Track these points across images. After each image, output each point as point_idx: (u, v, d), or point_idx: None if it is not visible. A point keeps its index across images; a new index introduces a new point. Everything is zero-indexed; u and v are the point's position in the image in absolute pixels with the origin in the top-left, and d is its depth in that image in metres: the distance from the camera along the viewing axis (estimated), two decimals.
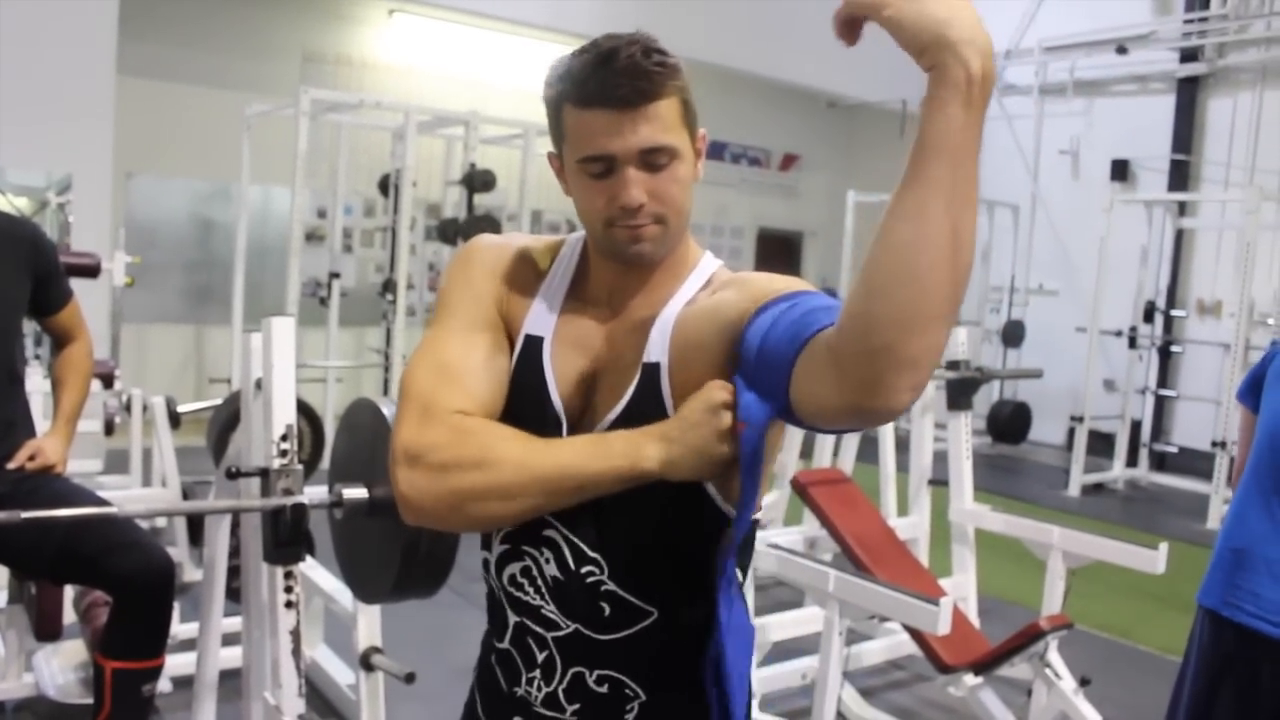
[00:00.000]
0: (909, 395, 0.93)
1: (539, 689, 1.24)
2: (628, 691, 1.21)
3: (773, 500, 4.60)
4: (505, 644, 1.27)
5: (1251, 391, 2.44)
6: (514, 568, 1.24)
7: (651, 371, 1.17)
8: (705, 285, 1.23)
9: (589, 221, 1.20)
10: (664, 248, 1.20)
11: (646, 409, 1.16)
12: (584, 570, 1.19)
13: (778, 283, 1.16)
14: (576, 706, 1.22)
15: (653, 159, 1.15)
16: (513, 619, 1.25)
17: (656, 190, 1.16)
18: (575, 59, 1.16)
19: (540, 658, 1.23)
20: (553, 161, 1.23)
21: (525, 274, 1.29)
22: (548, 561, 1.21)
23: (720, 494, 1.18)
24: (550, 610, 1.21)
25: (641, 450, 1.11)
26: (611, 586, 1.19)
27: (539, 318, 1.25)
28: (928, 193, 0.91)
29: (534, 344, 1.24)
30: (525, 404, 1.22)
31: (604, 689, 1.21)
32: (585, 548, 1.19)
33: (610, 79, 1.12)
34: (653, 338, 1.19)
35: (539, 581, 1.22)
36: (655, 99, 1.13)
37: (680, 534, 1.19)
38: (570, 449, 1.14)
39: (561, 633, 1.21)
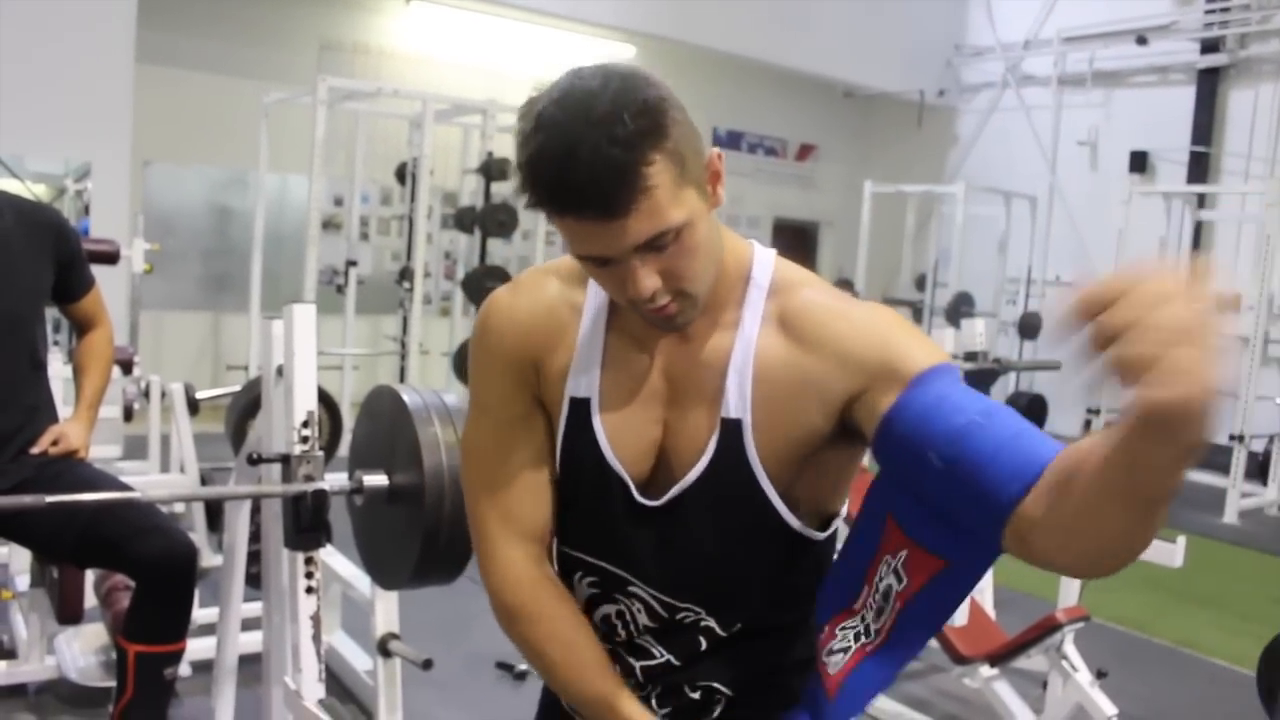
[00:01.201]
0: None
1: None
2: (717, 695, 1.20)
3: None
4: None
5: None
6: (606, 609, 1.21)
7: (733, 429, 1.10)
8: (770, 297, 1.13)
9: (612, 297, 1.12)
10: (698, 311, 1.09)
11: (731, 471, 1.10)
12: (679, 616, 1.17)
13: (890, 339, 1.06)
14: (668, 710, 1.20)
15: (656, 243, 1.01)
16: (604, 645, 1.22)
17: (669, 269, 1.03)
18: (532, 142, 0.98)
19: (633, 671, 1.21)
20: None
21: (556, 323, 1.17)
22: (639, 612, 1.18)
23: (800, 520, 1.14)
24: (644, 641, 1.19)
25: None
26: (710, 623, 1.17)
27: (581, 375, 1.16)
28: (1147, 523, 0.88)
29: (580, 407, 1.15)
30: (582, 473, 1.17)
31: (696, 695, 1.20)
32: (674, 601, 1.17)
33: (576, 190, 0.96)
34: (729, 389, 1.10)
35: (632, 626, 1.20)
36: (641, 196, 0.97)
37: (772, 565, 1.16)
38: (603, 702, 1.15)
39: (653, 662, 1.19)
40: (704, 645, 1.18)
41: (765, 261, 1.15)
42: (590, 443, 1.15)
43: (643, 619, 1.18)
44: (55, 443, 2.47)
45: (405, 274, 6.86)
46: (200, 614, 3.17)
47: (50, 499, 1.83)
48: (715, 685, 1.20)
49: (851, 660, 1.10)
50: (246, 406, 4.23)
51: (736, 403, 1.10)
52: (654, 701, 1.21)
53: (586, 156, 0.95)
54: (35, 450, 2.45)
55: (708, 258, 1.07)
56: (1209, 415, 0.72)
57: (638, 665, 1.20)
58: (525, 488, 1.18)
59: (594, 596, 1.21)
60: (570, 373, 1.16)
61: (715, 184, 1.07)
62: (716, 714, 1.20)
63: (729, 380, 1.10)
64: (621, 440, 1.14)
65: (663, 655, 1.18)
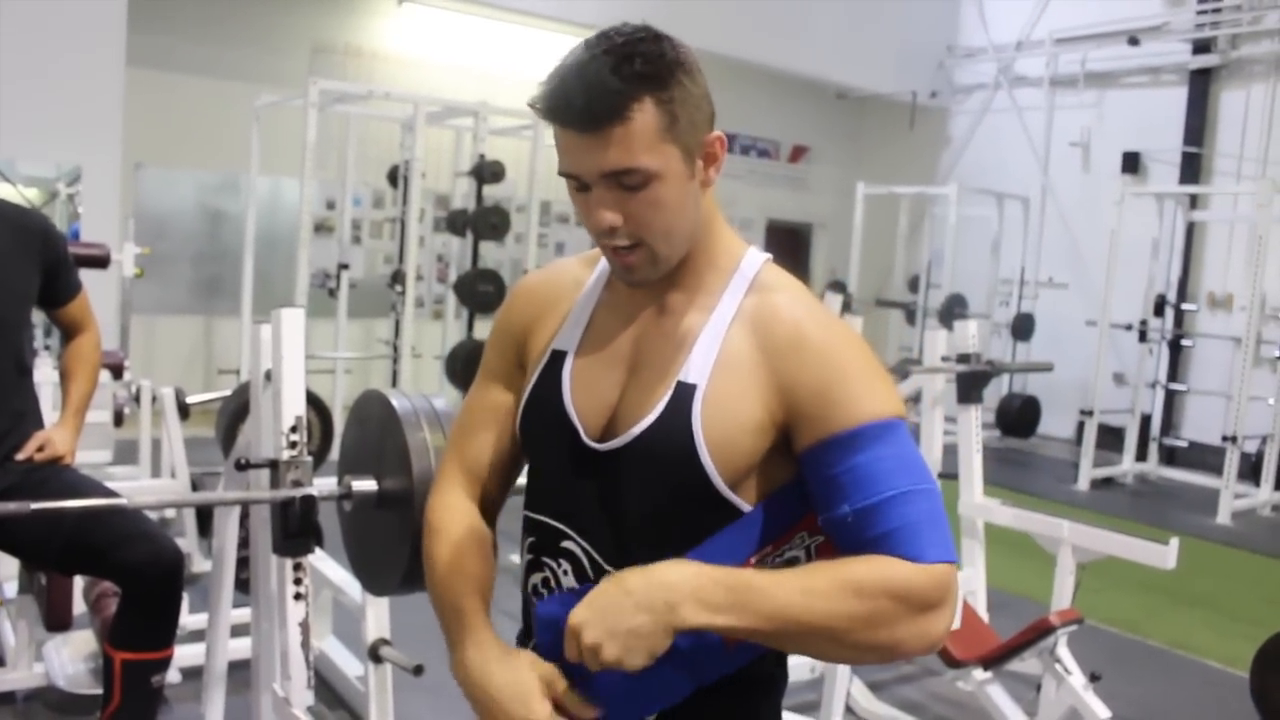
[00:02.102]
0: None
1: None
2: None
3: None
4: (534, 640, 1.25)
5: None
6: (535, 578, 1.24)
7: (686, 392, 1.13)
8: (749, 291, 1.17)
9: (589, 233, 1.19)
10: (657, 270, 1.16)
11: (673, 432, 1.12)
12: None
13: (831, 384, 1.10)
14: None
15: (624, 180, 1.09)
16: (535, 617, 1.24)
17: (632, 213, 1.11)
18: (561, 63, 1.11)
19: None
20: None
21: (564, 295, 1.28)
22: (565, 573, 1.20)
23: (744, 501, 1.15)
24: None
25: (465, 659, 1.18)
26: None
27: (566, 332, 1.25)
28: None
29: (557, 358, 1.24)
30: (542, 417, 1.23)
31: None
32: (601, 560, 1.17)
33: (571, 98, 1.07)
34: (694, 355, 1.15)
35: (556, 590, 1.21)
36: (617, 121, 1.06)
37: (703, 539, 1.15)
38: (459, 613, 1.22)
39: None
40: None
41: (755, 260, 1.21)
42: (554, 388, 1.22)
43: (569, 581, 1.19)
44: (41, 449, 2.46)
45: (397, 277, 6.84)
46: (190, 620, 3.16)
47: (35, 505, 1.81)
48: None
49: None
50: (237, 411, 4.21)
51: (698, 370, 1.14)
52: None
53: (589, 76, 1.06)
54: (20, 456, 2.43)
55: (677, 220, 1.13)
56: None
57: None
58: (485, 431, 1.31)
59: (530, 562, 1.25)
60: (560, 331, 1.26)
61: (710, 164, 1.16)
62: None
63: (695, 349, 1.15)
64: (581, 392, 1.21)
65: None
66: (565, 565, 1.20)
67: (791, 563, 1.15)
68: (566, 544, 1.20)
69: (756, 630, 1.03)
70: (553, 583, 1.21)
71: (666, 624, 1.02)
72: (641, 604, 1.02)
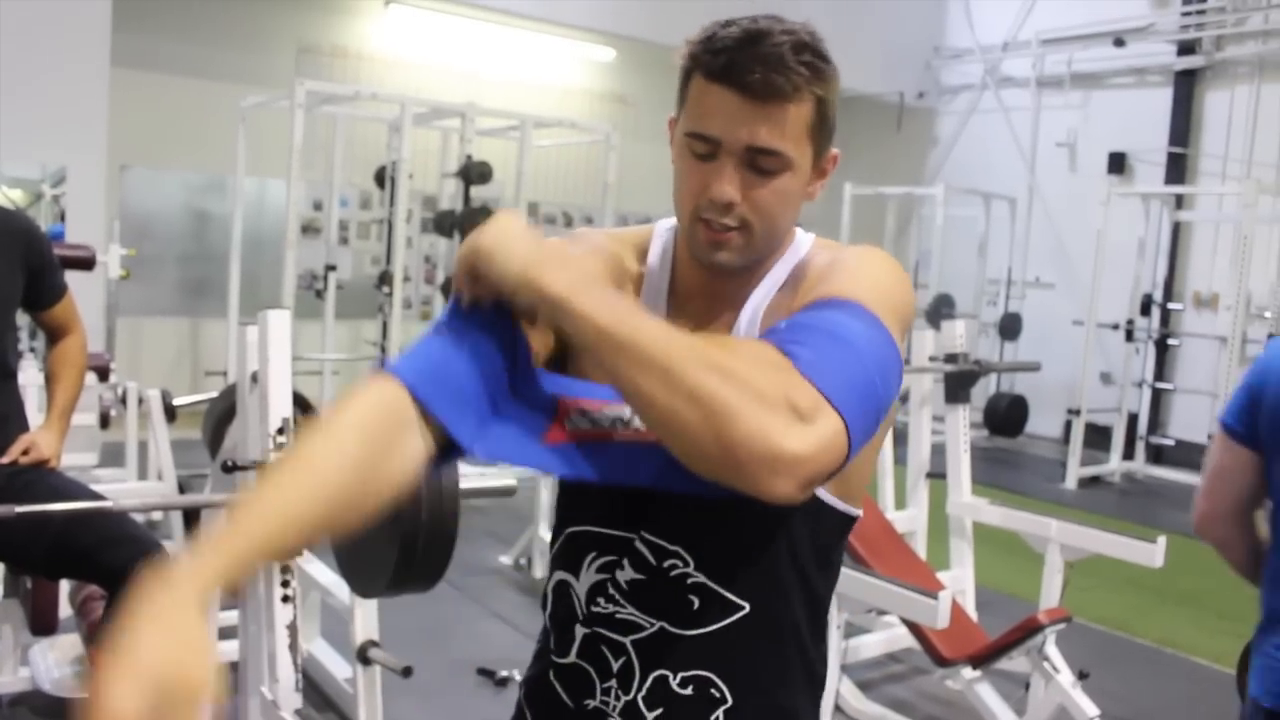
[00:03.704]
0: None
1: (617, 698, 1.14)
2: (714, 693, 1.13)
3: None
4: (571, 658, 1.18)
5: (1243, 419, 1.95)
6: (601, 577, 1.16)
7: None
8: (797, 264, 1.17)
9: (680, 204, 1.13)
10: (745, 258, 1.12)
11: None
12: (666, 564, 1.12)
13: (831, 276, 1.09)
14: (659, 712, 1.13)
15: (760, 161, 1.07)
16: (581, 631, 1.17)
17: (753, 196, 1.08)
18: (724, 28, 1.07)
19: (616, 665, 1.14)
20: (670, 126, 1.15)
21: (620, 271, 1.21)
22: (622, 567, 1.14)
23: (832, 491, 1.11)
24: (628, 613, 1.13)
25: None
26: (700, 578, 1.11)
27: None
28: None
29: None
30: None
31: (689, 691, 1.13)
32: (664, 543, 1.12)
33: (746, 61, 1.04)
34: (740, 323, 1.14)
35: (611, 589, 1.14)
36: (786, 100, 1.05)
37: (761, 516, 1.06)
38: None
39: (643, 634, 1.13)
40: (696, 604, 1.11)
41: (805, 239, 1.21)
42: None
43: (626, 574, 1.13)
44: (26, 452, 2.44)
45: (385, 278, 6.82)
46: None
47: (20, 509, 1.80)
48: (708, 676, 1.13)
49: (593, 434, 1.05)
50: (223, 413, 4.18)
51: (746, 326, 1.14)
52: (642, 704, 1.13)
53: (766, 47, 1.04)
54: (5, 460, 2.42)
55: (784, 217, 1.12)
56: None
57: (628, 640, 1.13)
58: None
59: (597, 583, 1.16)
60: None
61: (820, 177, 1.15)
62: None
63: (742, 316, 1.15)
64: None
65: (652, 624, 1.12)
66: (627, 560, 1.14)
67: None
68: (627, 534, 1.14)
69: (600, 327, 0.93)
70: (618, 578, 1.14)
71: (531, 276, 0.97)
72: (529, 253, 0.98)
